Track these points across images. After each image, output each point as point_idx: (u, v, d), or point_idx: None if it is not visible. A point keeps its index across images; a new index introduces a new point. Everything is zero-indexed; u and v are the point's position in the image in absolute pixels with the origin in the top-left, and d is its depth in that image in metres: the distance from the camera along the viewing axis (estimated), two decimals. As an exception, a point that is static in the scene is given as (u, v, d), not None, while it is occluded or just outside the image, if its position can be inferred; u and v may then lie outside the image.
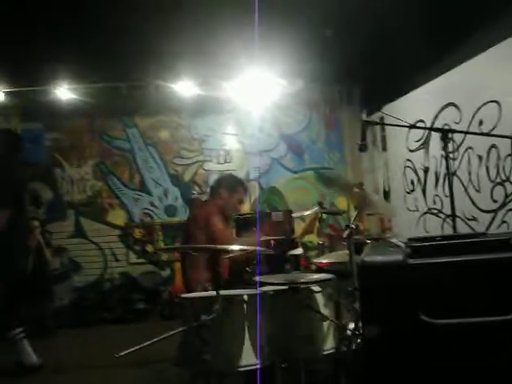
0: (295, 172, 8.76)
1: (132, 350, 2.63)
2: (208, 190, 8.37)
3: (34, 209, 8.15)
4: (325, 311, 3.30)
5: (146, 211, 8.46)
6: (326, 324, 3.27)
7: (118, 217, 8.41)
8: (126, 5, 5.49)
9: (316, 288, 3.33)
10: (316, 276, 3.57)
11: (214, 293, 3.07)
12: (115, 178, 8.45)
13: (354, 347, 3.04)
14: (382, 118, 6.99)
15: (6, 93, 7.61)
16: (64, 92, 7.60)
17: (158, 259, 8.33)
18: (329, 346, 3.27)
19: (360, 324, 2.97)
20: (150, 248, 8.39)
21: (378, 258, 2.10)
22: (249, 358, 3.07)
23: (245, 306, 3.13)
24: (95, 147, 8.46)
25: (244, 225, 5.20)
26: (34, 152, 8.20)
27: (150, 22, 5.79)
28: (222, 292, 3.09)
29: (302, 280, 3.25)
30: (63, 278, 7.62)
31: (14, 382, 5.06)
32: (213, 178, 8.34)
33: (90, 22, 5.72)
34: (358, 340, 3.02)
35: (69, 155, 8.36)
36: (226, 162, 8.59)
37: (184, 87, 7.75)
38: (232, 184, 4.93)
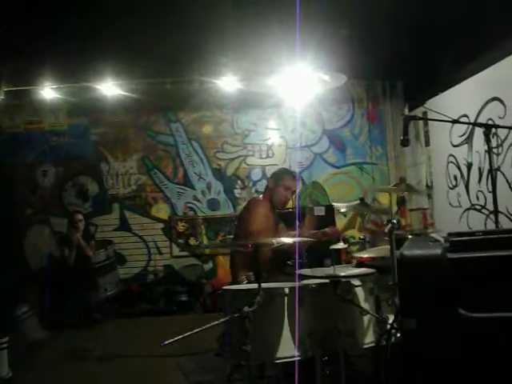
0: (337, 167, 8.76)
1: (177, 338, 2.71)
2: (250, 184, 8.58)
3: (81, 202, 8.36)
4: (365, 305, 3.32)
5: (189, 205, 8.57)
6: (366, 318, 3.30)
7: (161, 210, 8.54)
8: (170, 3, 5.58)
9: (357, 282, 3.36)
10: (357, 270, 3.59)
11: (255, 285, 3.13)
12: (159, 172, 8.57)
13: (393, 341, 3.06)
14: (425, 113, 6.95)
15: (54, 89, 7.79)
16: (109, 88, 7.73)
17: (200, 252, 8.45)
18: (369, 339, 3.30)
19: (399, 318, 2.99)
20: (192, 241, 8.50)
21: (417, 252, 2.12)
22: (289, 350, 3.12)
23: (286, 298, 3.17)
24: (140, 142, 8.60)
25: (286, 219, 5.23)
26: (80, 146, 8.43)
27: (194, 19, 5.86)
28: (264, 285, 3.14)
29: (343, 274, 3.28)
30: (108, 270, 7.76)
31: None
32: (255, 173, 8.51)
33: (135, 19, 5.82)
34: (398, 334, 3.03)
35: (114, 150, 8.52)
36: (268, 157, 8.64)
37: (227, 83, 7.80)
38: (278, 174, 5.05)
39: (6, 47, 6.11)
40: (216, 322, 3.04)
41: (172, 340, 2.74)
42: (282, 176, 4.97)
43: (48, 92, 7.79)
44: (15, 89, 7.59)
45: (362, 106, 8.81)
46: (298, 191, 8.37)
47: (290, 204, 5.10)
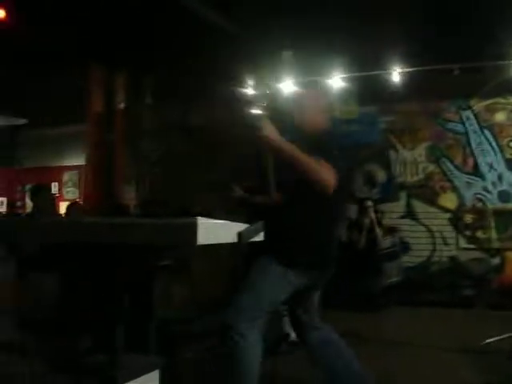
0: None
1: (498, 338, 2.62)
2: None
3: (368, 189, 8.52)
4: None
5: (479, 196, 8.22)
6: None
7: (449, 200, 8.32)
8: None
9: None
10: None
11: None
12: (448, 161, 8.36)
13: None
14: None
15: (343, 78, 7.99)
16: (396, 75, 7.70)
17: (489, 246, 8.08)
18: None
19: None
20: (481, 234, 8.16)
21: None
22: None
23: None
24: (428, 130, 8.47)
25: None
26: (369, 134, 8.59)
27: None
28: None
29: None
30: (393, 257, 7.83)
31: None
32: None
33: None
34: None
35: (402, 137, 8.53)
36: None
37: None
38: None
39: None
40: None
41: (494, 339, 2.65)
42: None
43: (337, 81, 8.01)
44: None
45: None
46: None
47: None
